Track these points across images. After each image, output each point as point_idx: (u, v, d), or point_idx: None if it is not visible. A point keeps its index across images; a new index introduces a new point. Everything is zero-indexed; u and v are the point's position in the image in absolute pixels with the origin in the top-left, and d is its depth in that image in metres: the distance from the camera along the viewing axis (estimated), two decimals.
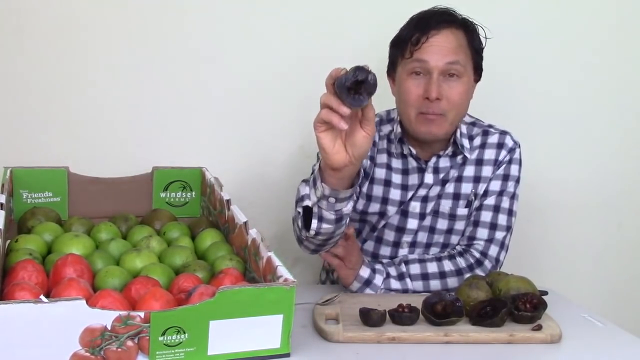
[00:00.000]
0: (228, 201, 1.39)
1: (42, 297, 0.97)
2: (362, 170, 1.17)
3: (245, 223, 1.29)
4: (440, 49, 1.41)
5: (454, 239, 1.53)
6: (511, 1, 1.87)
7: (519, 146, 1.53)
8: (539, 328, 1.23)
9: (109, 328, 0.98)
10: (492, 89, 1.86)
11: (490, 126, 1.55)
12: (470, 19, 1.47)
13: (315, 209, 1.22)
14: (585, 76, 1.93)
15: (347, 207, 1.22)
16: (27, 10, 1.64)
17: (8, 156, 1.59)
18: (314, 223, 1.23)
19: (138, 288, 1.12)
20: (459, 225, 1.51)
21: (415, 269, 1.46)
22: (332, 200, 1.19)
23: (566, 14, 1.89)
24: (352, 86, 1.03)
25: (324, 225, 1.24)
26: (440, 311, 1.23)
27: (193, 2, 1.72)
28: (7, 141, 1.67)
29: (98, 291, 1.08)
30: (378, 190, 1.52)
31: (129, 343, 1.00)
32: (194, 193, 1.61)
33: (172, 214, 1.54)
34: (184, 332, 1.02)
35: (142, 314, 0.99)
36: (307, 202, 1.23)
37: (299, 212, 1.28)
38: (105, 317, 0.98)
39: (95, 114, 1.71)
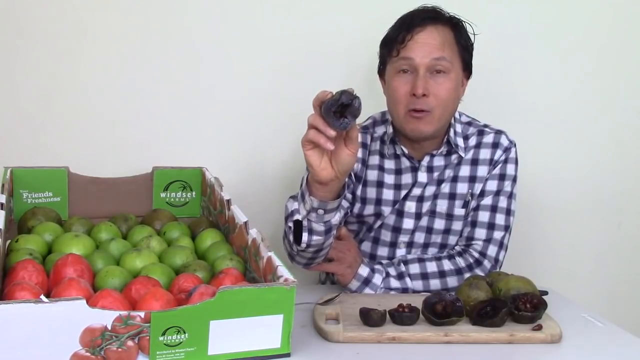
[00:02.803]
0: (228, 201, 1.39)
1: (43, 297, 0.97)
2: (346, 183, 1.26)
3: (245, 223, 1.29)
4: (425, 45, 1.42)
5: (452, 239, 1.53)
6: (509, 1, 1.87)
7: (515, 145, 1.53)
8: (539, 328, 1.23)
9: (109, 328, 0.98)
10: (492, 88, 1.87)
11: (485, 126, 1.55)
12: (457, 16, 1.48)
13: (305, 222, 1.27)
14: (585, 76, 1.93)
15: (335, 218, 1.27)
16: (27, 10, 1.64)
17: (8, 156, 1.59)
18: (305, 236, 1.28)
19: (138, 288, 1.12)
20: (457, 225, 1.52)
21: (414, 268, 1.46)
22: (320, 212, 1.25)
23: (565, 14, 1.88)
24: (338, 109, 1.09)
25: (314, 237, 1.28)
26: (441, 311, 1.23)
27: (194, 3, 1.72)
28: (7, 141, 1.66)
29: (98, 291, 1.08)
30: (372, 192, 1.53)
31: (129, 343, 1.00)
32: (194, 193, 1.61)
33: (172, 214, 1.54)
34: (184, 332, 1.02)
35: (142, 314, 0.99)
36: (297, 216, 1.28)
37: (290, 227, 1.32)
38: (105, 317, 0.98)
39: (95, 114, 1.71)
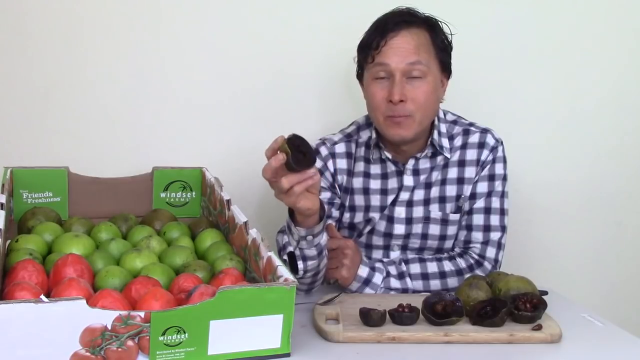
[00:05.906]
0: (228, 201, 1.39)
1: (43, 297, 0.97)
2: (325, 207, 1.33)
3: (245, 223, 1.29)
4: (399, 50, 1.40)
5: (448, 243, 1.52)
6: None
7: (502, 143, 1.51)
8: (539, 328, 1.23)
9: (110, 328, 0.98)
10: (490, 88, 1.87)
11: (471, 124, 1.53)
12: (432, 17, 1.45)
13: (297, 252, 1.33)
14: (584, 75, 1.92)
15: (323, 239, 1.34)
16: (27, 10, 1.64)
17: (8, 156, 1.59)
18: (300, 264, 1.33)
19: (138, 288, 1.12)
20: (452, 230, 1.51)
21: (415, 268, 1.46)
22: (310, 237, 1.31)
23: (555, 12, 1.87)
24: (297, 153, 1.18)
25: (310, 262, 1.34)
26: (440, 311, 1.23)
27: (194, 4, 1.72)
28: (7, 141, 1.66)
29: (98, 291, 1.08)
30: (360, 200, 1.53)
31: (129, 343, 1.00)
32: (194, 193, 1.61)
33: (172, 214, 1.54)
34: (184, 332, 1.02)
35: (142, 314, 0.99)
36: (290, 248, 1.34)
37: (285, 260, 1.36)
38: (105, 317, 0.98)
39: (95, 114, 1.71)
